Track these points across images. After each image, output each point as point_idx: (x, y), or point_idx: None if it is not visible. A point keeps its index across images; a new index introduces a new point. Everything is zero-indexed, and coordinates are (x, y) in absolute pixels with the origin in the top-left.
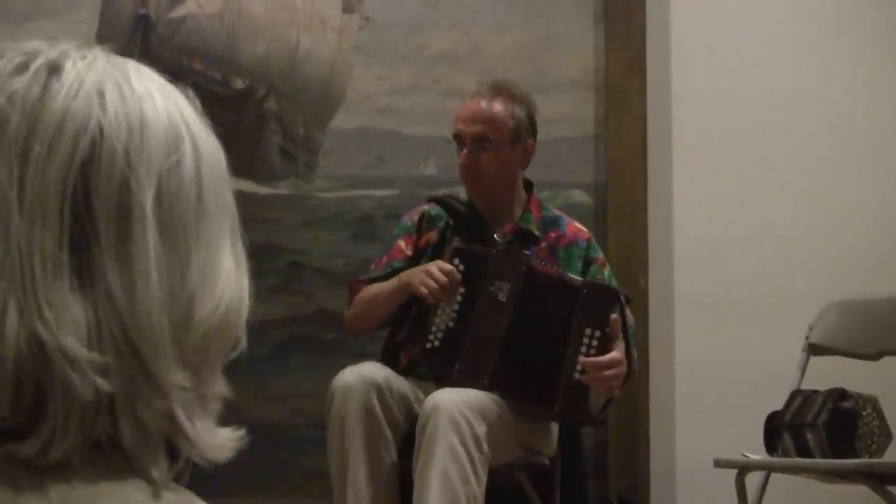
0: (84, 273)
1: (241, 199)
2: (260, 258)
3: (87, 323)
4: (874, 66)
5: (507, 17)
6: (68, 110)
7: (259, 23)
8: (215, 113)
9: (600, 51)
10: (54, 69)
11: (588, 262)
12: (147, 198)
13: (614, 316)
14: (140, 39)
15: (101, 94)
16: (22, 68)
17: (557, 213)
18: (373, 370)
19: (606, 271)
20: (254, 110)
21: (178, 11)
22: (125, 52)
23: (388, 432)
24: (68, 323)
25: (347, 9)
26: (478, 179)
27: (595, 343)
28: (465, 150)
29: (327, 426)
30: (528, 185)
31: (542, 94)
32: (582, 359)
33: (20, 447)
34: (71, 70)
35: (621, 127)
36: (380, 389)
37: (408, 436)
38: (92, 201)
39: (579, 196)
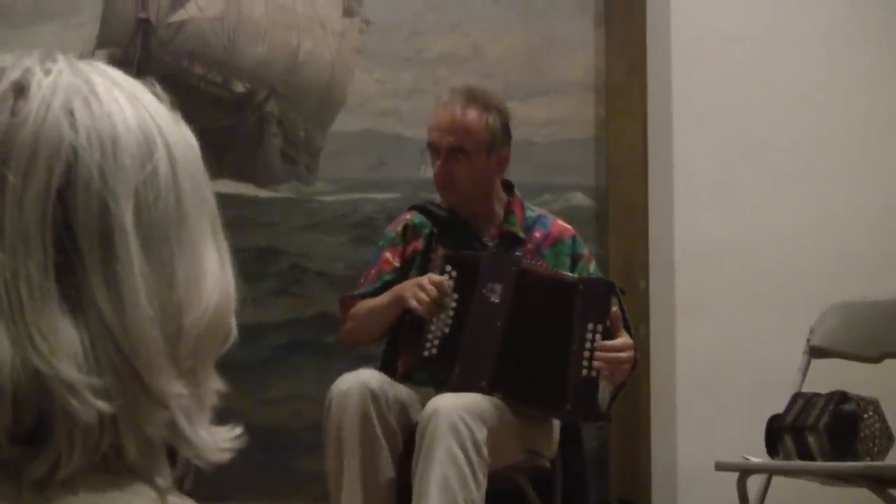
0: (73, 297)
1: (242, 202)
2: (260, 261)
3: (81, 347)
4: (876, 66)
5: (508, 19)
6: (39, 136)
7: (259, 26)
8: (216, 116)
9: (601, 53)
10: (20, 91)
11: (575, 259)
12: (126, 215)
13: (614, 309)
14: (140, 43)
15: (71, 114)
16: None
17: (540, 211)
18: (369, 376)
19: (592, 266)
20: (254, 113)
21: (179, 15)
22: (125, 55)
23: (382, 439)
24: (62, 349)
25: (348, 12)
26: (453, 190)
27: (598, 338)
28: (438, 161)
29: (324, 433)
30: (509, 187)
31: (542, 97)
32: (590, 345)
33: (26, 469)
34: (37, 90)
35: (622, 129)
36: (375, 396)
37: (406, 442)
38: (72, 226)
39: (580, 198)
